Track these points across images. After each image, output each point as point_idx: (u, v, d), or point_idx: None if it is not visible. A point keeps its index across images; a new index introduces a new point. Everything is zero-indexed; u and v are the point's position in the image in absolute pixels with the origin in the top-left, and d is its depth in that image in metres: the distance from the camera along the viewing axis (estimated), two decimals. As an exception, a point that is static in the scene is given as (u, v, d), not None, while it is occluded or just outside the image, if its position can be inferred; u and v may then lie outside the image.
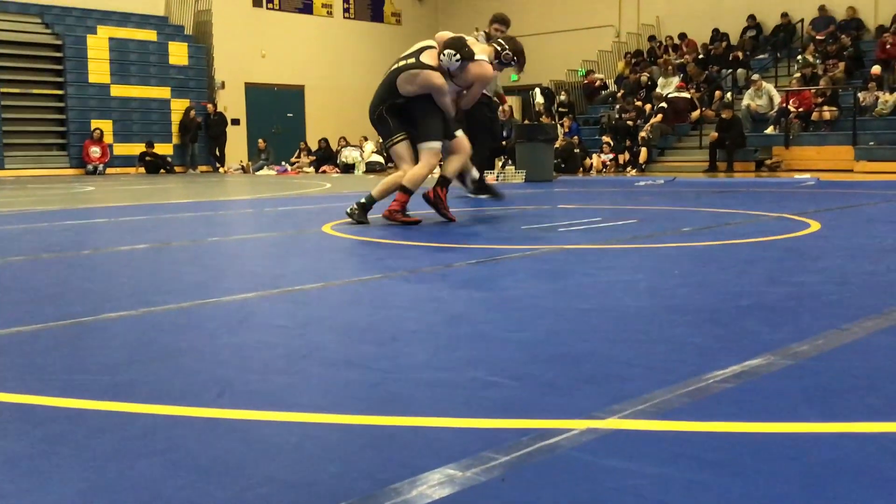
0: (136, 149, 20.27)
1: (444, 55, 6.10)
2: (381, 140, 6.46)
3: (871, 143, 15.03)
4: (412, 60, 6.17)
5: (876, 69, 16.29)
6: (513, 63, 6.62)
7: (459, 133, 6.50)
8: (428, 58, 6.16)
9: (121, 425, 1.88)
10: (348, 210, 6.26)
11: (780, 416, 1.86)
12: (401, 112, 6.28)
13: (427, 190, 6.42)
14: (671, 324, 2.84)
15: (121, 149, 20.16)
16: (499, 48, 6.53)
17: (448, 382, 2.17)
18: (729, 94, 17.90)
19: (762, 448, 1.69)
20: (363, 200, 6.22)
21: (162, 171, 20.13)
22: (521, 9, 24.47)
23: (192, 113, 20.77)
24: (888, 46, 17.03)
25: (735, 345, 2.52)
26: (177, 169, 20.70)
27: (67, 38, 19.57)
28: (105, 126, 19.84)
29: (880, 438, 1.74)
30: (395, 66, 6.28)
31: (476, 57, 6.24)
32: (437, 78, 6.09)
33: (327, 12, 24.51)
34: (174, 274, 4.29)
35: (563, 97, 20.24)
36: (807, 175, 13.17)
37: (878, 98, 15.86)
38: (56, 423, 1.91)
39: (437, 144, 6.26)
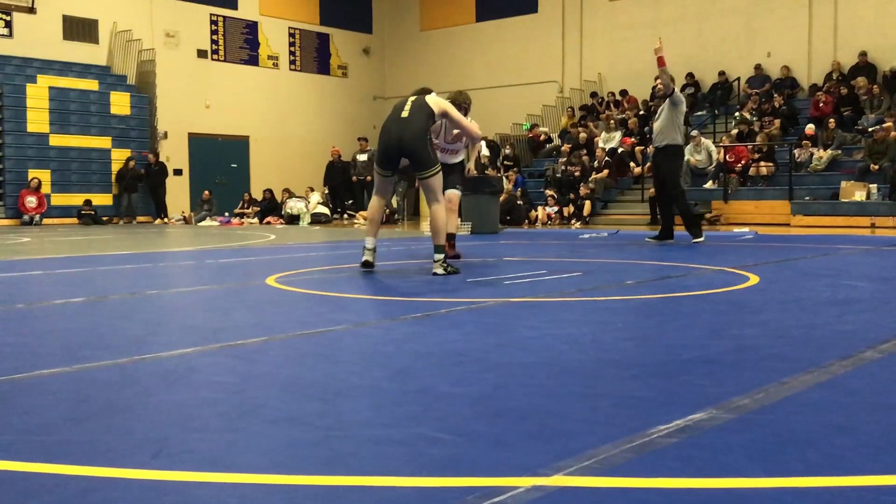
0: (75, 199, 19.92)
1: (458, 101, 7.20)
2: (416, 168, 6.36)
3: (807, 198, 15.48)
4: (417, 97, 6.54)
5: (810, 128, 16.86)
6: (466, 108, 7.42)
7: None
8: (431, 101, 6.51)
9: (53, 488, 1.81)
10: (442, 271, 6.17)
11: (723, 472, 1.87)
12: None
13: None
14: (615, 378, 2.85)
15: (59, 199, 19.79)
16: (457, 98, 7.37)
17: (393, 439, 2.14)
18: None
19: (707, 504, 1.69)
20: (440, 257, 6.23)
21: (104, 218, 19.82)
22: (468, 63, 24.90)
23: (132, 163, 20.52)
24: (821, 105, 17.66)
25: (679, 398, 2.53)
26: (115, 220, 20.35)
27: (6, 87, 19.29)
28: (43, 176, 19.47)
29: (821, 494, 1.75)
30: (410, 100, 6.49)
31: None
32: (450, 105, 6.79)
33: (273, 64, 24.60)
34: (111, 328, 4.18)
35: (507, 150, 20.51)
36: (745, 229, 13.48)
37: (812, 154, 16.38)
38: (-17, 487, 1.83)
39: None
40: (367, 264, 6.49)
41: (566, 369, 2.99)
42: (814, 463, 1.94)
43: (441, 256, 6.25)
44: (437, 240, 6.32)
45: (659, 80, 9.90)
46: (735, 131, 17.66)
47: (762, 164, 16.68)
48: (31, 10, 20.05)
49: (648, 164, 11.64)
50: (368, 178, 19.25)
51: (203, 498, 1.77)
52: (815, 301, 4.86)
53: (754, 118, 18.05)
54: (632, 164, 18.22)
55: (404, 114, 6.36)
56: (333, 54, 26.10)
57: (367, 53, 26.74)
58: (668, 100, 9.80)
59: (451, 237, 7.43)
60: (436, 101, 6.50)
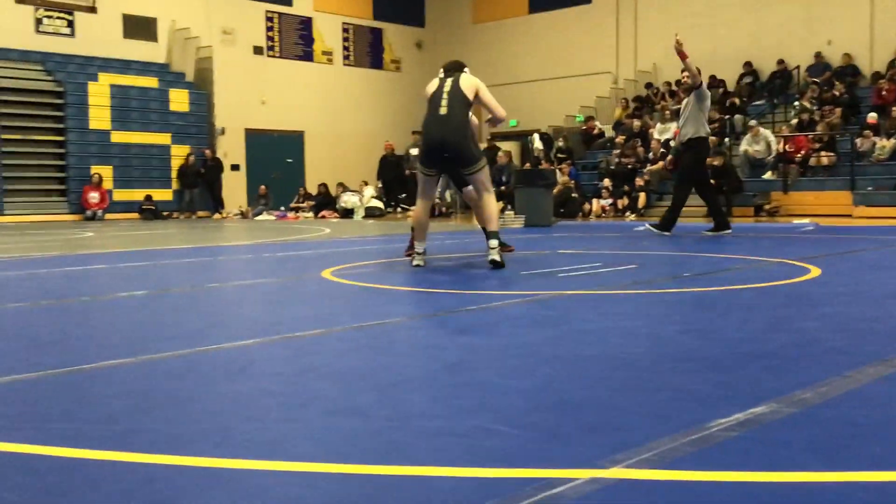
0: (136, 195, 20.35)
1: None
2: (462, 165, 6.32)
3: (870, 189, 15.10)
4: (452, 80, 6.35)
5: (872, 117, 16.42)
6: None
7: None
8: (465, 85, 6.33)
9: (120, 475, 1.86)
10: (498, 258, 6.12)
11: (785, 466, 1.84)
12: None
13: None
14: (673, 371, 2.83)
15: (120, 194, 20.22)
16: None
17: (449, 431, 2.15)
18: (727, 140, 18.03)
19: (769, 498, 1.67)
20: (496, 244, 6.15)
21: (164, 213, 20.28)
22: (521, 56, 24.80)
23: (191, 159, 20.90)
24: (884, 93, 17.20)
25: (738, 392, 2.50)
26: (175, 215, 20.76)
27: (69, 86, 19.75)
28: (105, 172, 19.93)
29: (885, 487, 1.72)
30: (446, 90, 6.29)
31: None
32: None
33: (327, 59, 24.80)
34: (173, 321, 4.27)
35: (561, 143, 20.39)
36: (806, 220, 13.21)
37: (875, 143, 15.97)
38: (55, 473, 1.89)
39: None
40: (418, 267, 6.33)
41: (623, 362, 2.97)
42: (878, 457, 1.90)
43: (496, 243, 6.17)
44: (491, 226, 6.29)
45: (685, 74, 9.83)
46: (795, 121, 17.29)
47: (823, 154, 16.31)
48: (92, 10, 20.55)
49: (669, 157, 11.60)
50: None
51: (263, 485, 1.80)
52: (878, 293, 4.75)
53: (814, 107, 17.66)
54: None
55: (443, 111, 6.20)
56: (386, 49, 26.21)
57: (419, 47, 26.80)
58: (693, 93, 9.74)
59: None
60: (469, 85, 6.32)
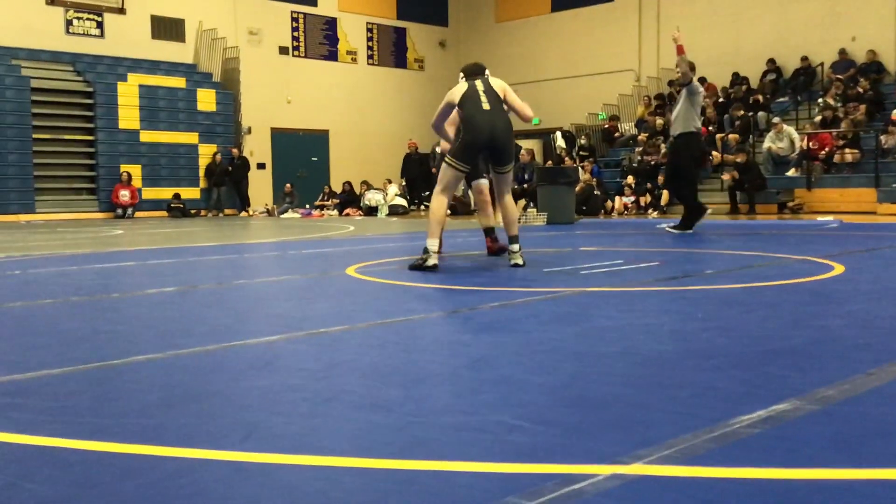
0: (165, 193, 20.56)
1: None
2: (503, 162, 6.27)
3: (894, 186, 14.93)
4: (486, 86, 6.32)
5: (896, 113, 16.24)
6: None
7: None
8: (497, 86, 6.34)
9: (148, 468, 1.90)
10: (522, 262, 6.17)
11: (808, 463, 1.84)
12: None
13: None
14: (695, 368, 2.83)
15: (149, 193, 20.44)
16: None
17: (472, 426, 2.17)
18: (750, 137, 17.90)
19: (791, 495, 1.67)
20: (518, 247, 6.21)
21: (192, 211, 20.52)
22: (543, 54, 24.75)
23: (218, 158, 21.09)
24: (910, 89, 17.00)
25: (761, 389, 2.50)
26: (203, 213, 20.96)
27: (98, 86, 19.97)
28: (134, 171, 20.15)
29: (909, 485, 1.72)
30: (480, 89, 6.24)
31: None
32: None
33: (352, 59, 24.89)
34: (201, 317, 4.33)
35: (583, 141, 20.33)
36: (830, 217, 13.09)
37: (900, 140, 15.79)
38: (84, 466, 1.93)
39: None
40: (434, 268, 6.05)
41: (645, 359, 2.97)
42: (901, 455, 1.89)
43: (518, 246, 6.22)
44: (512, 230, 6.30)
45: (678, 68, 9.88)
46: (819, 118, 17.13)
47: (847, 150, 16.15)
48: (121, 11, 20.75)
49: (664, 151, 11.59)
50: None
51: (289, 480, 1.83)
52: (905, 291, 4.71)
53: (838, 104, 17.48)
54: (714, 153, 17.80)
55: (486, 106, 6.13)
56: (410, 48, 26.26)
57: (443, 46, 26.82)
58: (685, 88, 9.81)
59: (489, 231, 7.10)
60: (499, 86, 6.30)
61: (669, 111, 18.90)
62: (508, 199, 6.42)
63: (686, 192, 10.07)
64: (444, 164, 6.32)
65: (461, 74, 6.47)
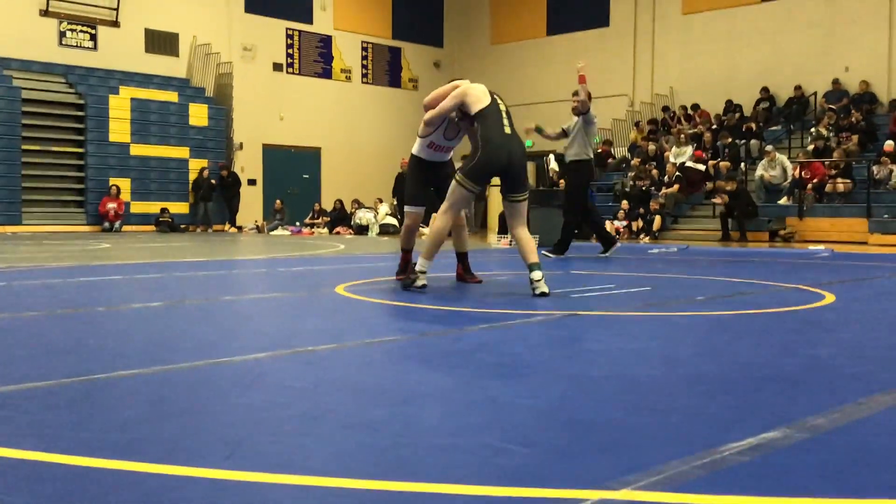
0: (153, 207, 20.49)
1: None
2: (517, 190, 5.98)
3: (886, 216, 15.03)
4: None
5: (889, 145, 16.35)
6: None
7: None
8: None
9: (129, 485, 1.87)
10: (545, 291, 5.69)
11: (796, 492, 1.83)
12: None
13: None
14: (685, 393, 2.82)
15: (138, 207, 20.37)
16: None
17: (459, 448, 2.15)
18: (742, 165, 17.99)
19: (779, 523, 1.66)
20: (540, 275, 5.77)
21: (182, 226, 20.44)
22: (538, 77, 24.88)
23: (206, 173, 21.03)
24: (901, 120, 17.15)
25: (751, 416, 2.49)
26: (191, 228, 20.89)
27: (90, 98, 19.95)
28: (123, 184, 20.08)
29: (899, 516, 1.70)
30: (502, 109, 6.04)
31: None
32: None
33: (346, 77, 24.96)
34: (187, 332, 4.29)
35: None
36: (821, 246, 13.15)
37: (891, 171, 15.90)
38: (66, 481, 1.90)
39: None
40: (423, 288, 5.92)
41: (634, 383, 2.96)
42: (890, 484, 1.88)
43: (541, 274, 5.77)
44: (532, 258, 5.84)
45: (577, 97, 10.19)
46: (811, 147, 17.25)
47: (839, 180, 16.25)
48: (115, 24, 20.78)
49: (555, 176, 12.21)
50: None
51: (274, 499, 1.80)
52: (893, 321, 4.72)
53: (831, 134, 17.61)
54: (708, 183, 17.78)
55: (507, 130, 5.87)
56: (405, 68, 26.36)
57: (437, 67, 26.94)
58: (582, 117, 10.14)
59: (463, 257, 6.70)
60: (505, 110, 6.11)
61: (654, 139, 19.06)
62: (522, 231, 6.00)
63: (571, 218, 10.38)
64: (454, 183, 5.96)
65: (459, 77, 6.32)
